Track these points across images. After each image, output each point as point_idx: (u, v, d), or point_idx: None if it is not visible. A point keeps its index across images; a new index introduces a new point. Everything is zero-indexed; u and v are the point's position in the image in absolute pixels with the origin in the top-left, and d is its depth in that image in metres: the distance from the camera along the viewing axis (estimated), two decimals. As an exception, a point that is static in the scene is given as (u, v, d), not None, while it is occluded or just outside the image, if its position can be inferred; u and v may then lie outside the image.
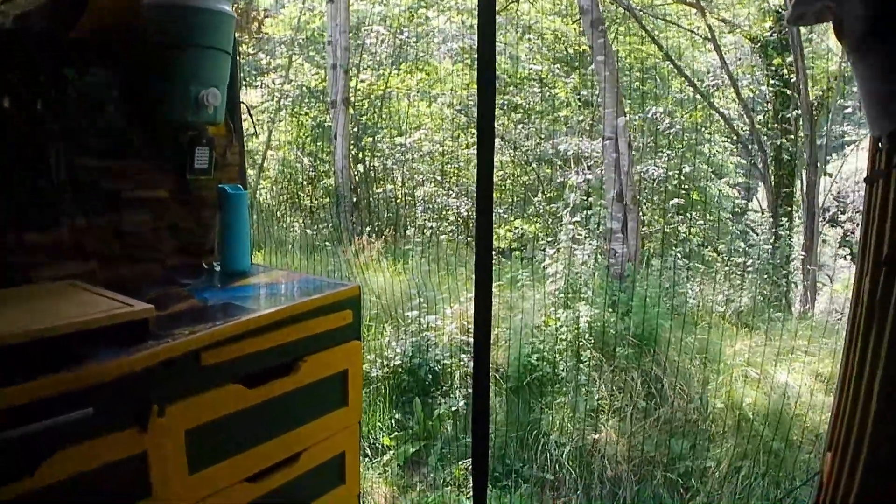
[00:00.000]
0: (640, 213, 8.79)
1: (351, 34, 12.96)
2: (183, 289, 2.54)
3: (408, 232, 10.41)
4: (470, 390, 5.03)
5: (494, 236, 9.61)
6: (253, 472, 2.25)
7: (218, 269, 2.93)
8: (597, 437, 5.63)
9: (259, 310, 2.28)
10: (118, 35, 2.53)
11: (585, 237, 8.21)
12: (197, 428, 2.03)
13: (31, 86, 2.34)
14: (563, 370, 6.18)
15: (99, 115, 2.55)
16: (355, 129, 13.37)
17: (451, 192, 12.03)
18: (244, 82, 12.72)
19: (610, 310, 6.87)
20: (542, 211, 11.37)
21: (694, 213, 10.50)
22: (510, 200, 12.60)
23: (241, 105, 3.23)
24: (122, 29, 2.53)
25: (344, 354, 2.57)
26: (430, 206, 11.74)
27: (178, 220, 2.91)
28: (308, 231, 11.42)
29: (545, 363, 6.22)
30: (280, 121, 14.28)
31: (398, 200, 12.26)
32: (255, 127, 11.33)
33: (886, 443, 1.90)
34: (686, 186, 10.26)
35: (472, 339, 4.36)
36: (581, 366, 6.12)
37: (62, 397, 1.67)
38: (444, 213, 11.69)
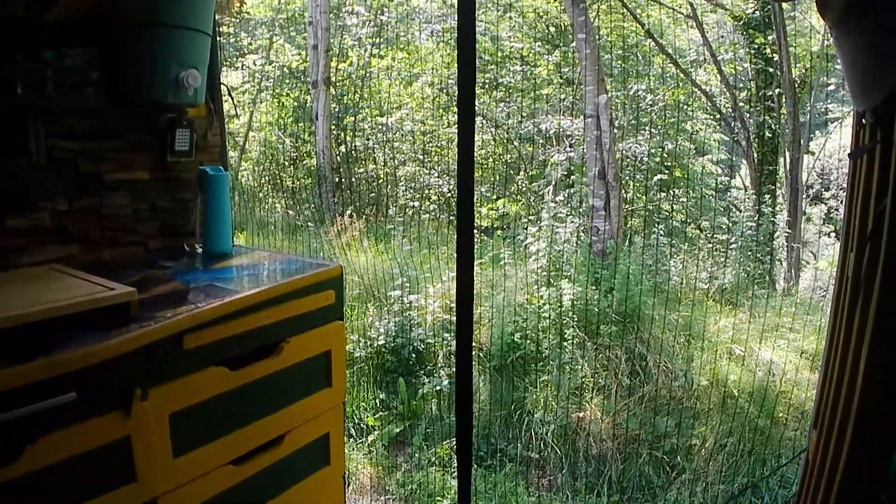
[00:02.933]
0: (623, 191, 8.79)
1: (331, 14, 12.91)
2: (164, 271, 2.51)
3: (390, 211, 10.41)
4: (454, 369, 5.03)
5: (477, 215, 9.62)
6: (237, 455, 2.24)
7: (200, 250, 2.90)
8: (581, 415, 5.65)
9: (241, 291, 2.25)
10: (97, 16, 2.50)
11: (568, 215, 8.22)
12: (181, 411, 2.02)
13: (10, 68, 2.31)
14: (546, 348, 6.19)
15: (78, 97, 2.52)
16: (337, 110, 13.32)
17: (432, 171, 12.02)
18: (225, 63, 12.64)
19: (593, 287, 6.88)
20: (524, 189, 11.36)
21: (677, 191, 10.51)
22: (492, 179, 12.59)
23: (222, 86, 3.20)
24: (100, 10, 2.49)
25: (327, 335, 2.56)
26: (412, 186, 11.73)
27: (159, 202, 2.88)
28: (290, 212, 11.40)
29: (528, 341, 6.23)
30: (261, 102, 14.23)
31: (380, 180, 12.24)
32: (235, 108, 11.27)
33: (872, 419, 1.90)
34: (669, 164, 10.26)
35: (454, 318, 4.36)
36: (565, 344, 6.13)
37: (45, 382, 1.65)
38: (425, 192, 11.68)
